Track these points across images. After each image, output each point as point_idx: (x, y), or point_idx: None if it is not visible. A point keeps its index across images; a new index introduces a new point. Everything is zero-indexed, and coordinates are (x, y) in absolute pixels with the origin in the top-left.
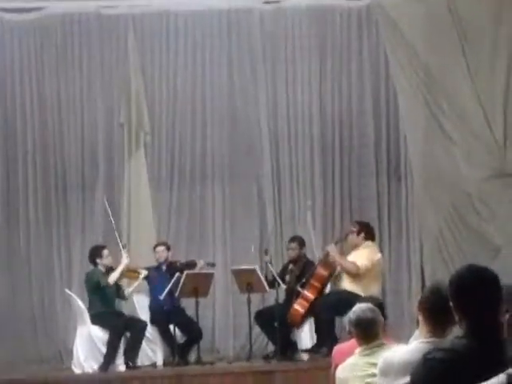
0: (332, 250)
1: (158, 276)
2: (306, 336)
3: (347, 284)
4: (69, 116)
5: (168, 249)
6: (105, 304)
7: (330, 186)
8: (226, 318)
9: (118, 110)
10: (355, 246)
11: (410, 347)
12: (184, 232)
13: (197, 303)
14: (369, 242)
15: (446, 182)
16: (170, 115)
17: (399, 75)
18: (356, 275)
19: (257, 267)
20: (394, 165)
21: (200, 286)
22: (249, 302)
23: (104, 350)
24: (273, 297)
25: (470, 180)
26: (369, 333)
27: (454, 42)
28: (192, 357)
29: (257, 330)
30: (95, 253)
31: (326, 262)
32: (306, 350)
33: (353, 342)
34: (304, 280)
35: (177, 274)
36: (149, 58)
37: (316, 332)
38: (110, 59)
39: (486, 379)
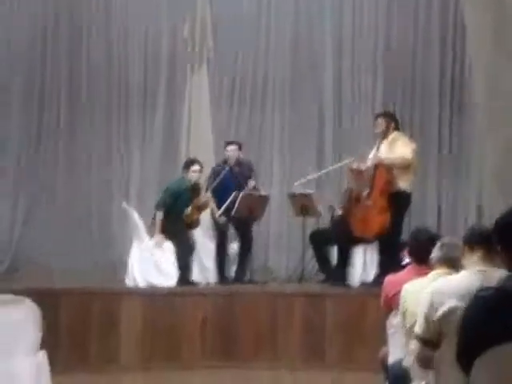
0: (379, 157)
1: (228, 177)
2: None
3: None
4: (134, 28)
5: (240, 148)
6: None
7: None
8: (279, 238)
9: (183, 24)
10: (391, 141)
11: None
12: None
13: (252, 223)
14: (397, 133)
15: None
16: (235, 34)
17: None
18: (406, 169)
19: (312, 192)
20: (457, 96)
21: (255, 207)
22: (303, 225)
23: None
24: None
25: None
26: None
27: None
28: (247, 275)
29: (310, 253)
30: (185, 165)
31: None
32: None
33: (404, 273)
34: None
35: (233, 193)
36: None
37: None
38: None
39: None
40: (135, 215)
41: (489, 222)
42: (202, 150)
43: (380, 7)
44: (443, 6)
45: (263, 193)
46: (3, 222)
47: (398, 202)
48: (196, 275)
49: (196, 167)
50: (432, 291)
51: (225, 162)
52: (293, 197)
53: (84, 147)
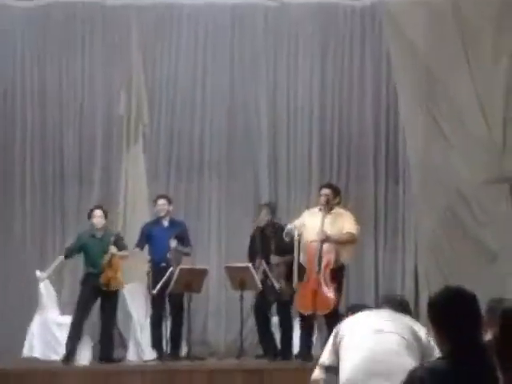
0: (326, 232)
1: (159, 231)
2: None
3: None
4: (69, 105)
5: (169, 202)
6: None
7: None
8: (218, 312)
9: (118, 102)
10: (335, 215)
11: None
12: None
13: (189, 297)
14: (338, 207)
15: (444, 185)
16: (170, 108)
17: (400, 75)
18: (351, 244)
19: (250, 265)
20: (392, 166)
21: (194, 281)
22: (241, 298)
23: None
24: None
25: (467, 183)
26: None
27: (456, 44)
28: (183, 350)
29: (248, 326)
30: (88, 213)
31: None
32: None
33: None
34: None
35: (170, 269)
36: (151, 51)
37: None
38: (112, 50)
39: None
40: (45, 284)
41: (426, 292)
42: (139, 224)
43: (315, 72)
44: (375, 79)
45: (201, 266)
46: None
47: (341, 277)
48: (131, 351)
49: (98, 212)
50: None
51: (157, 219)
52: (230, 270)
53: (19, 218)
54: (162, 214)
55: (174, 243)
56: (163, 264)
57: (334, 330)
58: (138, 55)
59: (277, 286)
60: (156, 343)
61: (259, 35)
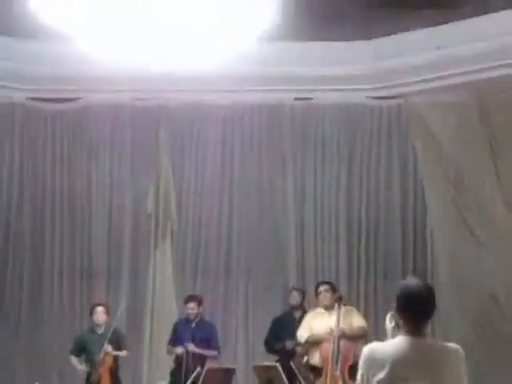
0: (341, 328)
1: (186, 329)
2: None
3: None
4: (98, 204)
5: (199, 304)
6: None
7: (354, 286)
8: None
9: (146, 200)
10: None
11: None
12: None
13: None
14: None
15: (474, 286)
16: (198, 207)
17: (428, 173)
18: (363, 339)
19: (278, 364)
20: (420, 264)
21: (221, 381)
22: None
23: None
24: None
25: (498, 283)
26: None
27: (484, 145)
28: None
29: None
30: (90, 310)
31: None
32: None
33: None
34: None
35: (197, 369)
36: (179, 149)
37: None
38: (140, 149)
39: None
40: None
41: None
42: (167, 323)
43: (342, 171)
44: (402, 183)
45: (229, 366)
46: None
47: (355, 374)
48: None
49: (100, 308)
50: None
51: (186, 318)
52: (258, 369)
53: (48, 314)
54: (192, 317)
55: (191, 347)
56: (185, 364)
57: None
58: (165, 154)
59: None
60: None
61: (286, 134)
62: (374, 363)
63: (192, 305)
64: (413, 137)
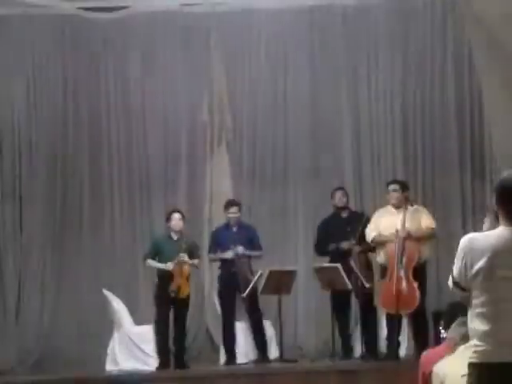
0: (407, 229)
1: (227, 235)
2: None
3: None
4: (152, 113)
5: (239, 208)
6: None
7: (412, 185)
8: (308, 314)
9: (201, 108)
10: (413, 212)
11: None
12: (265, 231)
13: (279, 300)
14: (415, 204)
15: None
16: (252, 114)
17: (484, 71)
18: (430, 240)
19: (339, 265)
20: (477, 161)
21: (283, 283)
22: (331, 298)
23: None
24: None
25: None
26: None
27: None
28: (273, 353)
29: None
30: (166, 216)
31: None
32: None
33: (442, 347)
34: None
35: (259, 271)
36: (231, 56)
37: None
38: (192, 57)
39: None
40: (116, 301)
41: None
42: None
43: (396, 78)
44: (458, 76)
45: (290, 268)
46: (32, 316)
47: (424, 274)
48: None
49: (176, 215)
50: None
51: (226, 224)
52: (319, 270)
53: (108, 229)
54: (233, 221)
55: (240, 249)
56: (232, 269)
57: None
58: (218, 61)
59: (367, 285)
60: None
61: (338, 36)
62: (474, 253)
63: (234, 209)
64: (468, 33)
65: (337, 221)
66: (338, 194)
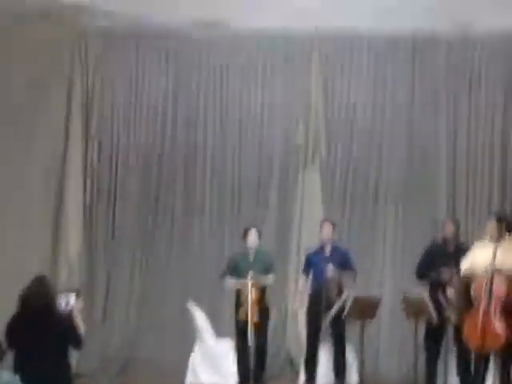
0: (495, 265)
1: (320, 257)
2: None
3: None
4: (248, 132)
5: (334, 227)
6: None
7: None
8: (390, 342)
9: (296, 131)
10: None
11: None
12: (353, 252)
13: (362, 327)
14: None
15: None
16: (348, 137)
17: None
18: None
19: (426, 296)
20: None
21: (367, 309)
22: (416, 329)
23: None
24: None
25: None
26: None
27: None
28: (353, 379)
29: (422, 359)
30: (243, 233)
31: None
32: None
33: None
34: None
35: (345, 294)
36: (330, 80)
37: None
38: (291, 79)
39: None
40: (200, 315)
41: None
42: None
43: (497, 109)
44: None
45: (376, 295)
46: (117, 323)
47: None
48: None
49: (252, 232)
50: None
51: (321, 247)
52: (407, 301)
53: (197, 245)
54: (326, 239)
55: (330, 271)
56: (323, 290)
57: None
58: (317, 84)
59: (453, 318)
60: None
61: (440, 68)
62: None
63: (326, 227)
64: None
65: (442, 251)
66: (449, 223)
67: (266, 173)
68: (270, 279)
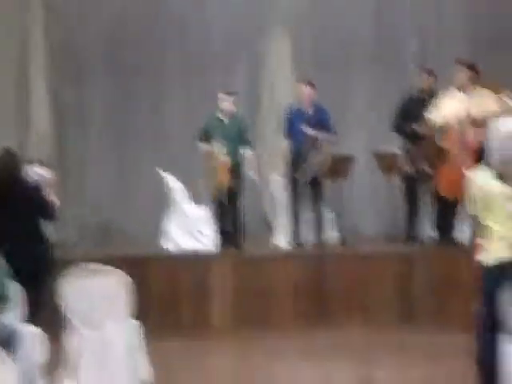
0: (470, 114)
1: (300, 116)
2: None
3: None
4: None
5: (312, 86)
6: None
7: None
8: (367, 198)
9: None
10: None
11: None
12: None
13: (338, 184)
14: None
15: None
16: None
17: None
18: None
19: (399, 150)
20: None
21: (340, 167)
22: (390, 183)
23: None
24: None
25: None
26: None
27: None
28: (332, 236)
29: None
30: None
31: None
32: None
33: None
34: None
35: (318, 156)
36: None
37: None
38: None
39: None
40: (172, 179)
41: None
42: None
43: None
44: None
45: (348, 153)
46: (92, 196)
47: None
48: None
49: (229, 97)
50: None
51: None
52: (380, 156)
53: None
54: (307, 100)
55: (310, 131)
56: (303, 152)
57: None
58: None
59: (428, 170)
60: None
61: None
62: None
63: (307, 88)
64: None
65: (417, 102)
66: (423, 75)
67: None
68: (246, 153)
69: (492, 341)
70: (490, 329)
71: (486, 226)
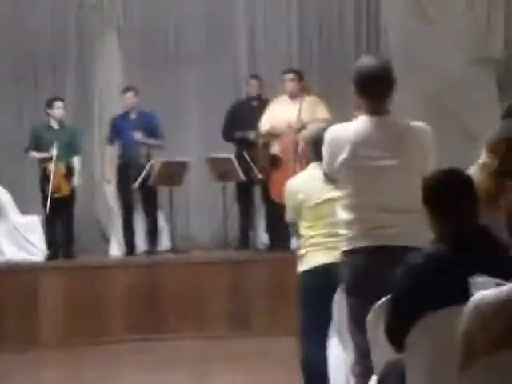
0: (301, 120)
1: (125, 122)
2: None
3: None
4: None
5: (136, 94)
6: None
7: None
8: (200, 205)
9: None
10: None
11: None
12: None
13: (171, 191)
14: (312, 95)
15: (427, 70)
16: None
17: None
18: None
19: (232, 156)
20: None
21: (175, 173)
22: (224, 190)
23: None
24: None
25: (451, 65)
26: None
27: None
28: (165, 244)
29: (233, 217)
30: (47, 103)
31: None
32: None
33: None
34: None
35: (151, 162)
36: None
37: None
38: None
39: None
40: (1, 190)
41: None
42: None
43: None
44: None
45: (182, 159)
46: None
47: None
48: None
49: (58, 104)
50: None
51: (125, 112)
52: (212, 161)
53: None
54: (130, 107)
55: (138, 135)
56: (132, 159)
57: None
58: None
59: (259, 176)
60: (128, 240)
61: None
62: (336, 145)
63: (130, 94)
64: None
65: (247, 109)
66: (253, 82)
67: (61, 41)
68: (75, 162)
69: (313, 344)
70: (309, 332)
71: (302, 234)
